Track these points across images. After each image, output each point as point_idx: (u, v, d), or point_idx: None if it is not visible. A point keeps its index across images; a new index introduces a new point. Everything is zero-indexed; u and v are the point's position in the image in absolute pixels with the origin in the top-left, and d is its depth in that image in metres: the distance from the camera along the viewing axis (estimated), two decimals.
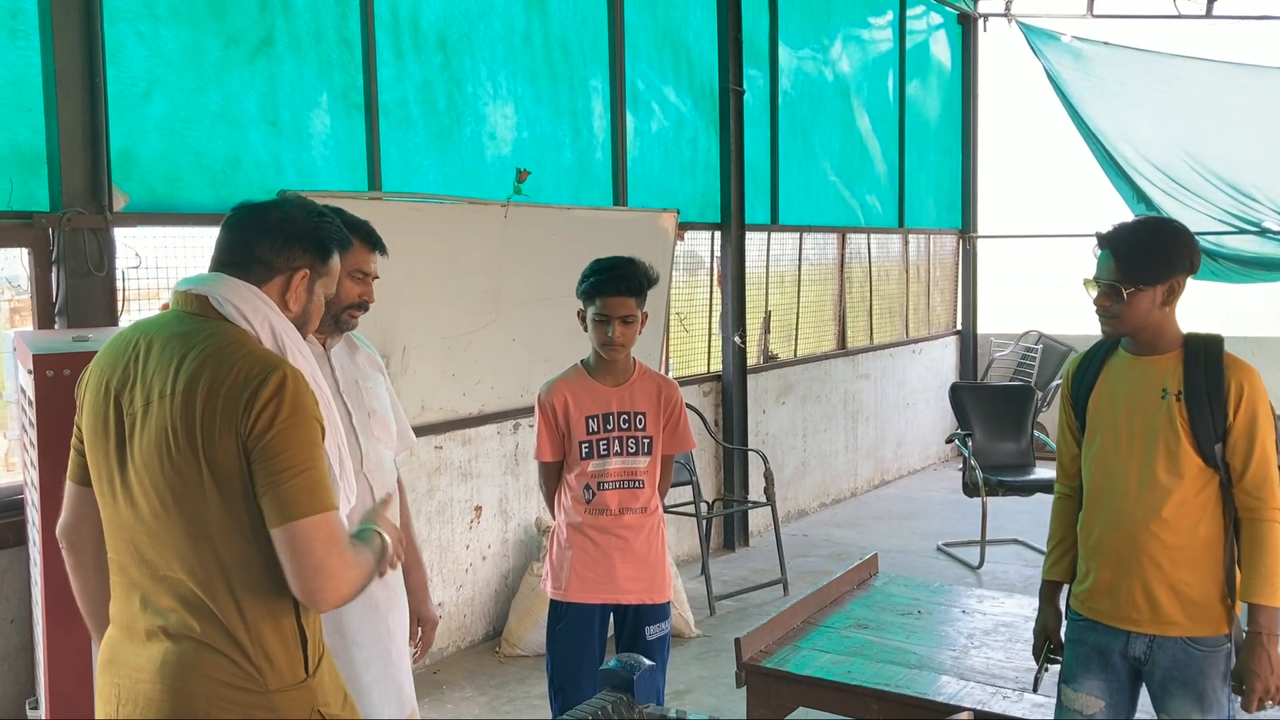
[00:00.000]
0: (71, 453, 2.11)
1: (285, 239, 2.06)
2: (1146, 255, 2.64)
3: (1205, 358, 2.64)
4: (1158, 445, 2.65)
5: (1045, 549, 3.01)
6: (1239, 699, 2.63)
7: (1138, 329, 2.68)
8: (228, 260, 2.05)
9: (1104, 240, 2.71)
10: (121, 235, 4.18)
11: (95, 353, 3.14)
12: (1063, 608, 2.92)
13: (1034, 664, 2.99)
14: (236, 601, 1.91)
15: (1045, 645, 2.92)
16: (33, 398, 3.14)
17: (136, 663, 1.93)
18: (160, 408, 1.89)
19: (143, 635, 1.94)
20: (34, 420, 3.15)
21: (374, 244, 2.80)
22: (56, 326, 4.00)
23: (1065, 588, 2.91)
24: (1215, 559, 2.64)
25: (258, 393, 1.86)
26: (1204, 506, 2.64)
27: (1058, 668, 2.91)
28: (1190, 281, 2.73)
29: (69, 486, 2.13)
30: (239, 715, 1.90)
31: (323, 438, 1.95)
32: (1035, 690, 3.05)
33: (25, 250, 3.99)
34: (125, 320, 4.20)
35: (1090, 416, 2.79)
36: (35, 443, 3.16)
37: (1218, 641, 2.63)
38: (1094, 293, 2.71)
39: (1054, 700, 2.90)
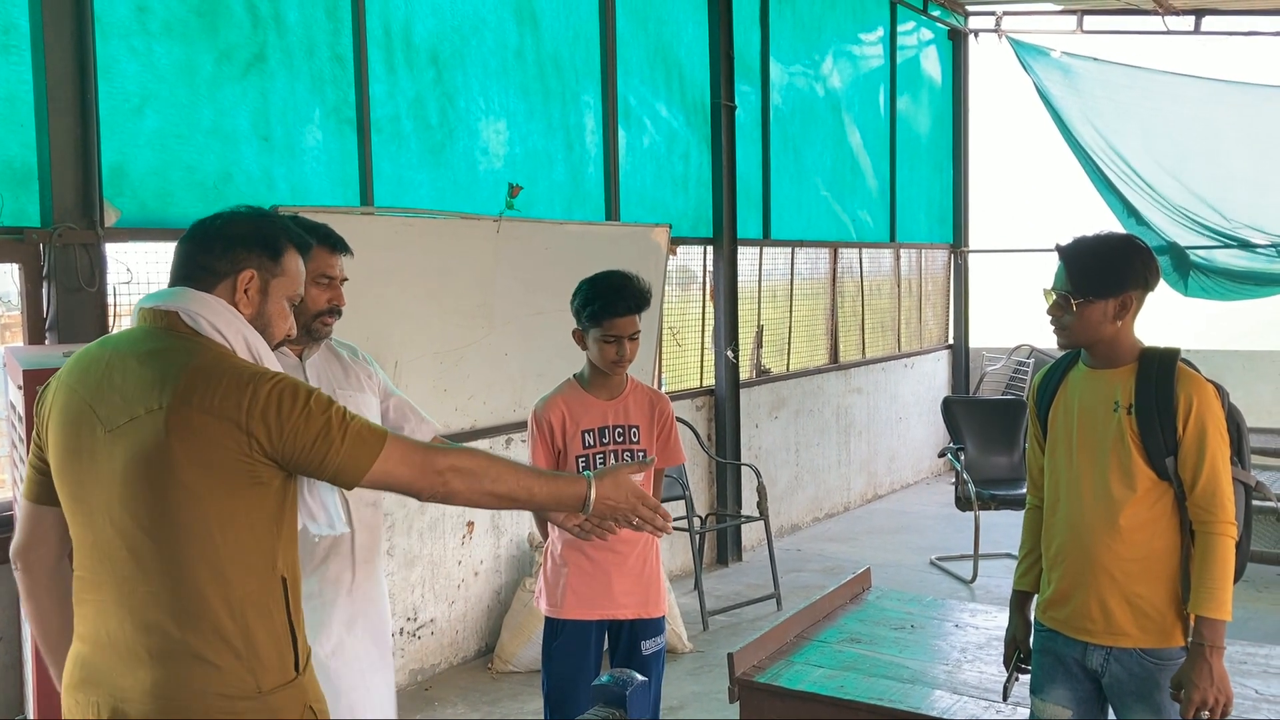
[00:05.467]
0: (29, 470, 2.07)
1: (227, 242, 2.04)
2: (1098, 268, 2.66)
3: (1157, 371, 2.65)
4: (1110, 458, 2.67)
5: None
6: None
7: (1090, 341, 2.71)
8: (180, 275, 2.05)
9: (1060, 252, 2.73)
10: (113, 251, 4.18)
11: None
12: (1030, 617, 2.94)
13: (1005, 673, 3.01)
14: (229, 606, 1.90)
15: (1015, 654, 2.94)
16: (23, 414, 3.13)
17: (121, 683, 1.89)
18: (150, 422, 1.86)
19: (125, 654, 1.90)
20: (24, 436, 3.14)
21: (334, 245, 2.74)
22: (47, 342, 3.99)
23: (1035, 597, 2.93)
24: (1170, 571, 2.66)
25: (257, 390, 1.87)
26: (1158, 519, 2.66)
27: (1028, 677, 2.92)
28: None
29: (25, 505, 2.09)
30: None
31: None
32: (1005, 699, 3.06)
33: (16, 266, 3.98)
34: None
35: (1049, 428, 2.82)
36: (25, 459, 3.14)
37: (1173, 653, 2.65)
38: (1048, 302, 2.74)
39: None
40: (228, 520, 1.89)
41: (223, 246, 2.04)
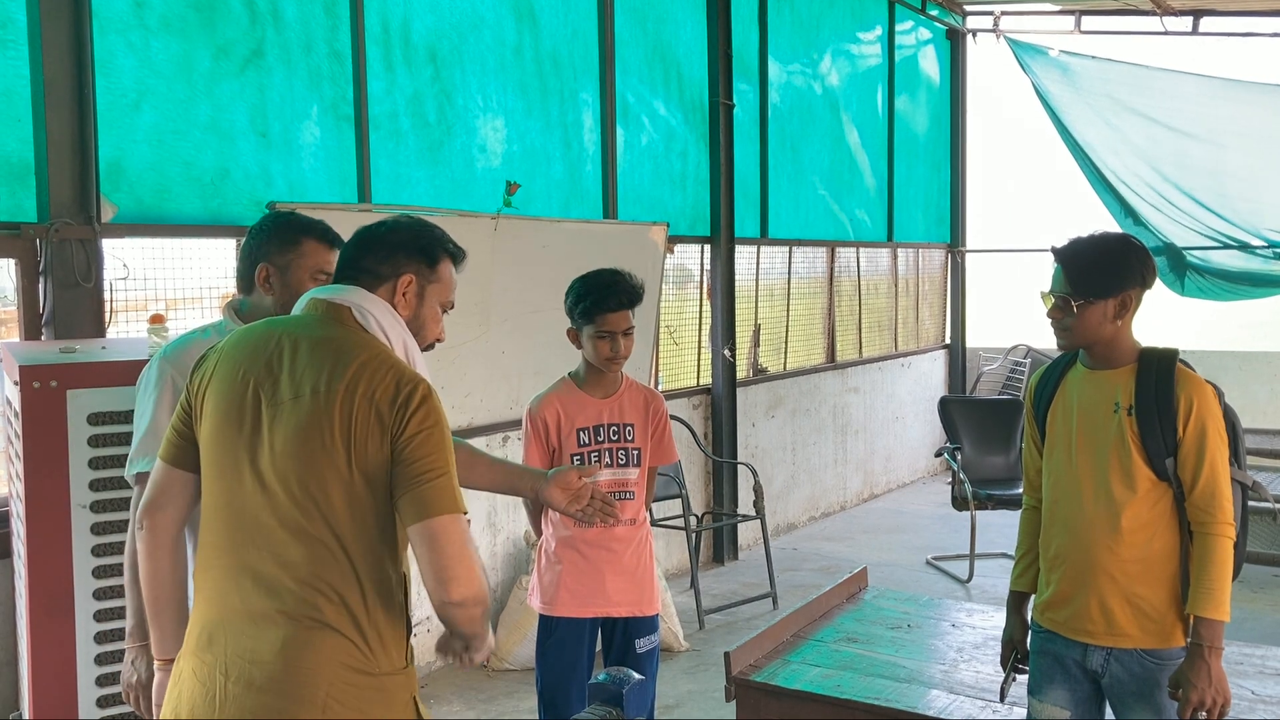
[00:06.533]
0: (170, 433, 2.15)
1: (390, 248, 2.20)
2: (1096, 269, 2.67)
3: (1157, 372, 2.66)
4: (1110, 459, 2.67)
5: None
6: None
7: (1090, 342, 2.71)
8: (347, 274, 2.20)
9: (1057, 254, 2.74)
10: (109, 246, 4.17)
11: (83, 364, 3.16)
12: (1028, 617, 2.94)
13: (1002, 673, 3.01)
14: (361, 586, 1.99)
15: (1012, 655, 2.94)
16: (19, 409, 3.12)
17: (249, 644, 1.96)
18: (314, 403, 1.98)
19: (256, 617, 1.97)
20: (20, 432, 3.13)
21: (332, 241, 2.75)
22: (43, 338, 3.98)
23: (1031, 598, 2.93)
24: (1170, 572, 2.66)
25: (410, 399, 1.99)
26: (1158, 520, 2.66)
27: (1025, 678, 2.92)
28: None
29: (159, 466, 2.17)
30: (356, 697, 1.97)
31: None
32: (1002, 700, 3.06)
33: (12, 261, 3.97)
34: (114, 331, 4.18)
35: (1048, 429, 2.82)
36: (21, 455, 3.13)
37: (1174, 654, 2.65)
38: (1048, 305, 2.74)
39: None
40: (368, 506, 1.99)
41: (386, 251, 2.20)
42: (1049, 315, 2.73)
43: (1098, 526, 2.68)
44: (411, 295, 2.21)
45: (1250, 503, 2.82)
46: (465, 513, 2.03)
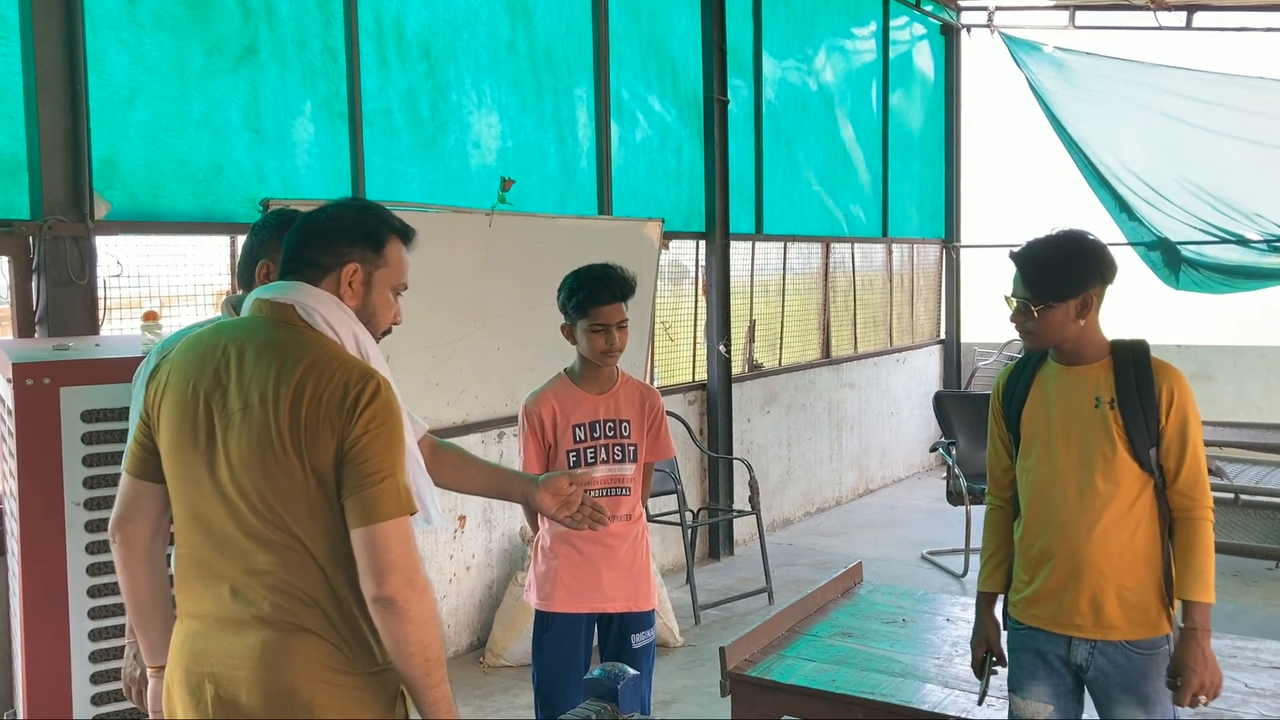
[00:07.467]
0: (134, 446, 2.14)
1: (331, 237, 2.13)
2: (1054, 272, 2.67)
3: (1134, 364, 2.68)
4: (1094, 454, 2.69)
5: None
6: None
7: (1057, 342, 2.73)
8: (290, 269, 2.14)
9: (1014, 259, 2.75)
10: (103, 243, 4.16)
11: (76, 361, 3.15)
12: (999, 617, 2.95)
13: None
14: (332, 588, 1.97)
15: (987, 657, 2.94)
16: (12, 407, 3.11)
17: (231, 650, 1.97)
18: (263, 411, 1.95)
19: (235, 624, 1.98)
20: (13, 430, 3.12)
21: None
22: (37, 335, 3.97)
23: (1000, 598, 2.93)
24: (1154, 562, 2.68)
25: (359, 399, 1.94)
26: (1143, 511, 2.68)
27: (1001, 680, 2.92)
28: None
29: (126, 480, 2.16)
30: (339, 697, 1.96)
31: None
32: (980, 704, 3.06)
33: (5, 258, 3.96)
34: (107, 329, 4.17)
35: (1024, 429, 2.82)
36: (14, 453, 3.12)
37: (1157, 643, 2.67)
38: (1010, 309, 2.75)
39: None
40: (331, 508, 1.96)
41: (327, 241, 2.12)
42: (1011, 320, 2.75)
43: (1084, 521, 2.69)
44: (358, 284, 2.14)
45: (1215, 493, 2.84)
46: (414, 511, 1.99)
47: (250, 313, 2.11)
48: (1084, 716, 2.84)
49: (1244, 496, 6.39)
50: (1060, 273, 2.67)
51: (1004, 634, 2.92)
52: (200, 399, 2.02)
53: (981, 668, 2.94)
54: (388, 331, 2.25)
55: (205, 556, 2.02)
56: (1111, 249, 2.78)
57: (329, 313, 2.07)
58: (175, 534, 2.08)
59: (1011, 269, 2.77)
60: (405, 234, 2.22)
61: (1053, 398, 2.76)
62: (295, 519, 1.95)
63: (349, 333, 2.09)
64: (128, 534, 2.16)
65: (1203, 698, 2.57)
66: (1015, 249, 2.75)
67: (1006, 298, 2.76)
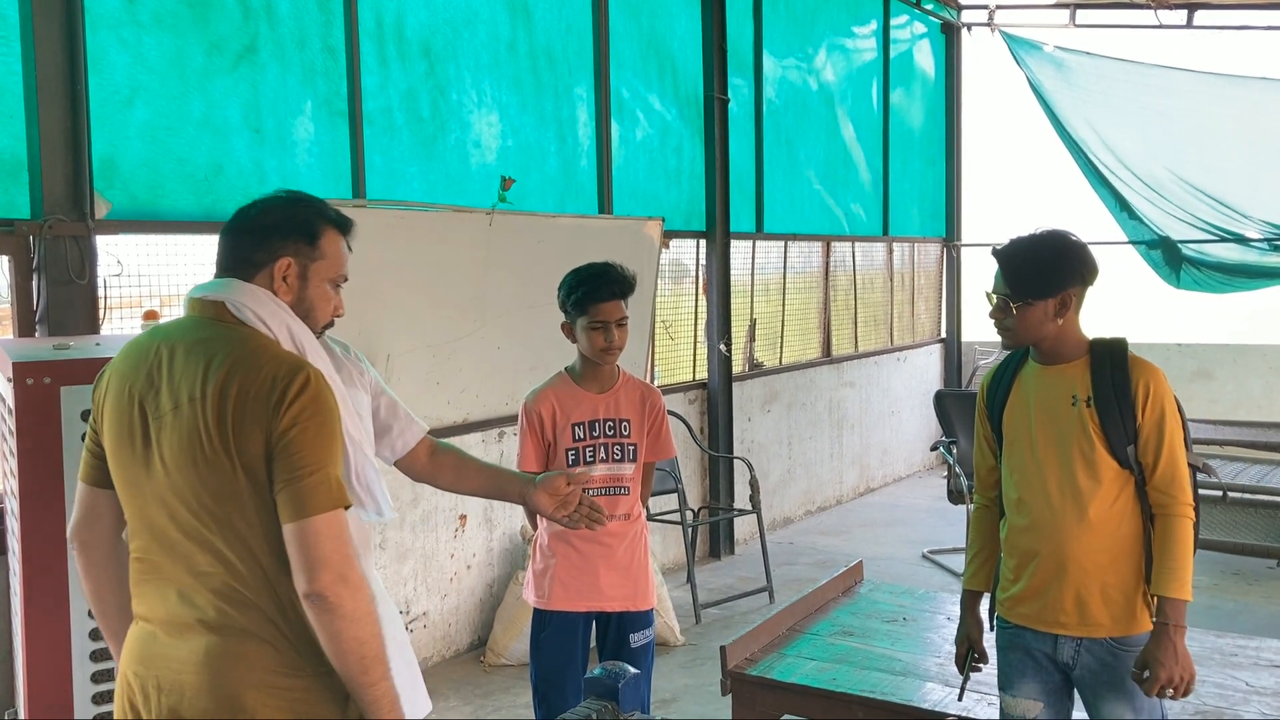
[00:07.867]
0: (86, 454, 2.13)
1: (263, 232, 2.09)
2: (1034, 271, 2.69)
3: (1111, 362, 2.69)
4: (1073, 452, 2.70)
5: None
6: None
7: (1035, 340, 2.74)
8: (224, 266, 2.10)
9: (996, 255, 2.76)
10: (103, 243, 4.16)
11: (77, 360, 3.15)
12: (983, 616, 2.97)
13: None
14: (274, 591, 1.95)
15: (969, 654, 2.96)
16: (12, 406, 3.11)
17: (176, 655, 1.96)
18: (191, 410, 1.93)
19: (181, 628, 1.97)
20: (14, 429, 3.12)
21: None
22: (37, 334, 3.97)
23: (985, 597, 2.95)
24: (1135, 558, 2.69)
25: (286, 392, 1.91)
26: (1124, 508, 2.69)
27: (982, 676, 2.94)
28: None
29: (81, 488, 2.15)
30: (283, 700, 1.95)
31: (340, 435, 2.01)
32: (960, 699, 3.08)
33: (6, 258, 3.96)
34: (107, 329, 4.17)
35: (1006, 428, 2.84)
36: (15, 452, 3.12)
37: (1142, 639, 2.68)
38: (990, 305, 2.76)
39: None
40: (266, 507, 1.93)
41: (259, 236, 2.08)
42: (990, 316, 2.77)
43: (1066, 519, 2.70)
44: (293, 278, 2.09)
45: (1200, 491, 2.84)
46: (348, 505, 1.96)
47: (185, 313, 2.09)
48: (1074, 715, 2.84)
49: (1231, 494, 6.39)
50: (1040, 271, 2.68)
51: (987, 632, 2.94)
52: (135, 402, 2.00)
53: (963, 664, 2.96)
54: (330, 324, 2.21)
55: (155, 560, 2.01)
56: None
57: (260, 307, 2.03)
58: (129, 538, 2.07)
59: (994, 265, 2.78)
60: (342, 225, 2.17)
61: (1032, 397, 2.78)
62: (232, 518, 1.93)
63: (283, 327, 2.05)
64: (85, 541, 2.15)
65: (1170, 691, 2.58)
66: (998, 246, 2.77)
67: (987, 294, 2.78)
